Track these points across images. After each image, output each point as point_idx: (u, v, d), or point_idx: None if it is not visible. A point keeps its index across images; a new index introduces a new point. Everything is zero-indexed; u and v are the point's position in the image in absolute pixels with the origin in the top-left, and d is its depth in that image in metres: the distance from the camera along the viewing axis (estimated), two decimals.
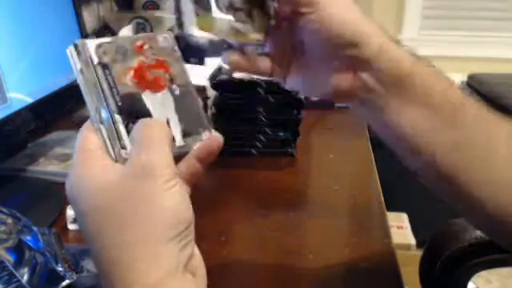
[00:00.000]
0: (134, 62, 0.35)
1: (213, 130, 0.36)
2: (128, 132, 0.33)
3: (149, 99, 0.35)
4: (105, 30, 1.28)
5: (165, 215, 0.31)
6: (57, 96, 0.72)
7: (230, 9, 0.38)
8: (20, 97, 0.64)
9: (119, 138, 0.33)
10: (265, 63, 0.43)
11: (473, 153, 0.39)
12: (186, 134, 0.36)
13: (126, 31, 0.96)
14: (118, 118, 0.33)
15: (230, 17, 0.38)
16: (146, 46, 0.36)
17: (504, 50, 3.02)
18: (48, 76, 0.71)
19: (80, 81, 0.34)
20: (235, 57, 0.41)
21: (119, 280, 0.30)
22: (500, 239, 0.45)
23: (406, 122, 0.40)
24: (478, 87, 2.60)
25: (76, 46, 0.33)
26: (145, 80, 0.35)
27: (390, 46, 0.40)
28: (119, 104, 0.34)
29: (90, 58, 0.34)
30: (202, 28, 0.38)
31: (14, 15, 0.64)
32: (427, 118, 0.39)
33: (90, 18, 1.22)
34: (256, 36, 0.40)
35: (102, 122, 0.33)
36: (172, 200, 0.31)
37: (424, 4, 3.03)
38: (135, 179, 0.31)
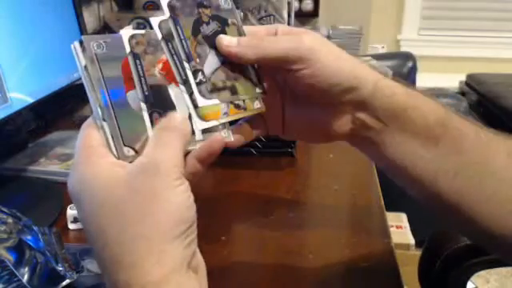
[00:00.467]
0: (164, 55, 0.36)
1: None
2: (151, 122, 0.34)
3: (173, 92, 0.36)
4: (105, 30, 1.28)
5: (170, 213, 0.31)
6: (57, 96, 0.72)
7: (214, 92, 0.38)
8: (20, 97, 0.64)
9: (121, 135, 0.33)
10: (259, 126, 0.43)
11: (474, 177, 0.39)
12: (205, 130, 0.37)
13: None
14: (143, 105, 0.34)
15: (216, 101, 0.38)
16: None
17: (502, 50, 3.02)
18: (48, 76, 0.71)
19: (84, 77, 0.34)
20: (236, 135, 0.41)
21: (123, 276, 0.30)
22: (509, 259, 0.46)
23: (406, 154, 0.40)
24: (476, 87, 2.60)
25: (81, 43, 0.34)
26: (172, 73, 0.36)
27: (384, 82, 0.41)
28: (146, 93, 0.35)
29: (123, 46, 0.35)
30: (207, 116, 0.37)
31: (14, 15, 0.65)
32: (428, 149, 0.40)
33: (90, 18, 1.22)
34: (257, 106, 0.41)
35: (104, 120, 0.33)
36: (178, 198, 0.31)
37: (423, 4, 3.03)
38: (142, 176, 0.31)
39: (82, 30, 0.81)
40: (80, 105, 0.95)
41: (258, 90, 0.41)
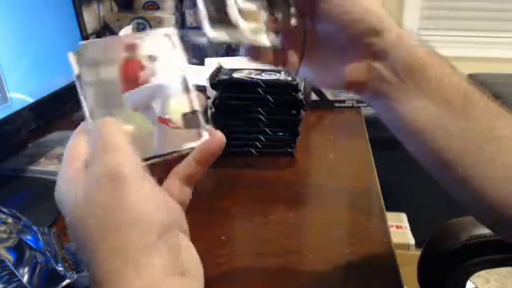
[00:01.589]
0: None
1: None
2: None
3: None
4: (105, 30, 1.28)
5: (137, 222, 0.29)
6: (57, 96, 0.72)
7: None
8: (20, 97, 0.64)
9: None
10: (277, 54, 0.43)
11: (477, 142, 0.39)
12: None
13: (126, 31, 0.96)
14: None
15: (245, 25, 0.39)
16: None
17: (503, 50, 3.02)
18: (48, 76, 0.71)
19: (78, 86, 0.34)
20: (252, 51, 0.42)
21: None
22: (503, 233, 0.45)
23: (417, 112, 0.40)
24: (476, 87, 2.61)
25: (77, 51, 0.34)
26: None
27: (407, 36, 0.40)
28: None
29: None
30: (249, 17, 0.39)
31: (14, 15, 0.65)
32: (438, 109, 0.39)
33: (90, 18, 1.22)
34: (274, 42, 0.41)
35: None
36: (142, 205, 0.29)
37: (423, 5, 3.03)
38: (100, 186, 0.29)
39: (82, 30, 0.81)
40: (80, 105, 0.95)
41: (292, 10, 0.42)
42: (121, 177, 0.29)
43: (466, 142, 0.39)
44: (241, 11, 0.38)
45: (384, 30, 0.39)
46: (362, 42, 0.40)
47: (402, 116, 0.41)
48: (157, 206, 0.30)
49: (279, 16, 0.41)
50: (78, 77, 0.34)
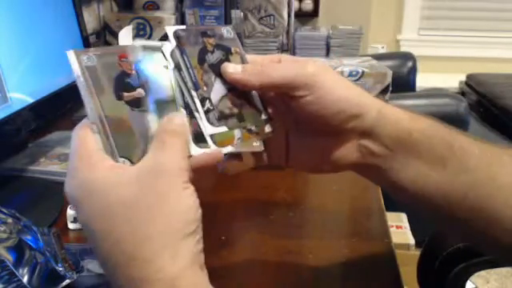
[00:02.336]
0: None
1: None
2: (204, 109, 0.37)
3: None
4: (105, 30, 1.28)
5: (181, 213, 0.32)
6: (57, 96, 0.72)
7: (222, 119, 0.39)
8: (20, 97, 0.64)
9: (116, 146, 0.34)
10: (259, 155, 0.43)
11: (484, 194, 0.39)
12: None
13: (126, 31, 0.96)
14: (194, 93, 0.37)
15: (225, 128, 0.39)
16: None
17: (502, 50, 3.02)
18: (48, 76, 0.71)
19: (80, 87, 0.34)
20: (235, 163, 0.42)
21: (138, 273, 0.31)
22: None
23: (416, 177, 0.40)
24: (476, 87, 2.60)
25: (75, 52, 0.34)
26: None
27: (387, 109, 0.41)
28: (194, 81, 0.38)
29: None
30: (222, 143, 0.38)
31: (14, 15, 0.65)
32: (437, 171, 0.40)
33: (90, 18, 1.22)
34: (269, 130, 0.42)
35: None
36: (188, 199, 0.33)
37: (423, 5, 3.03)
38: (150, 178, 0.32)
39: (82, 30, 0.81)
40: (80, 105, 0.95)
41: (263, 117, 0.42)
42: (173, 174, 0.33)
43: (476, 199, 0.39)
44: (213, 137, 0.38)
45: (363, 111, 0.40)
46: (345, 128, 0.40)
47: (403, 184, 0.41)
48: (197, 205, 0.33)
49: (252, 128, 0.41)
50: (78, 77, 0.34)
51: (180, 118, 0.36)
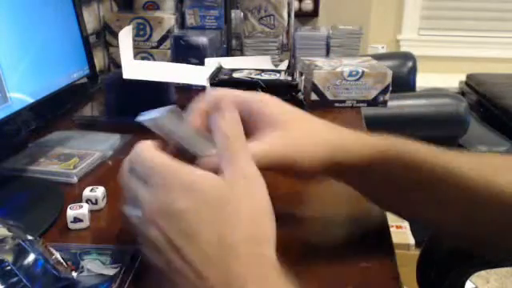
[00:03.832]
0: None
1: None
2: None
3: None
4: (105, 30, 1.28)
5: (270, 217, 0.38)
6: (57, 96, 0.72)
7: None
8: (20, 97, 0.64)
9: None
10: None
11: (480, 208, 0.42)
12: None
13: (126, 31, 0.96)
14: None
15: None
16: None
17: (502, 50, 3.02)
18: (48, 76, 0.71)
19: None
20: None
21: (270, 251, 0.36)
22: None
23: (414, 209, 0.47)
24: (476, 87, 2.60)
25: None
26: None
27: (365, 139, 0.53)
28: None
29: None
30: None
31: (14, 15, 0.65)
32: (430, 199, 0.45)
33: (90, 18, 1.22)
34: None
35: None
36: (271, 205, 0.38)
37: (423, 5, 3.03)
38: (241, 185, 0.38)
39: (82, 29, 0.81)
40: (80, 105, 0.95)
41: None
42: (259, 182, 0.41)
43: (476, 222, 0.42)
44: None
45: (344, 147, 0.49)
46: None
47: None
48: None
49: None
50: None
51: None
